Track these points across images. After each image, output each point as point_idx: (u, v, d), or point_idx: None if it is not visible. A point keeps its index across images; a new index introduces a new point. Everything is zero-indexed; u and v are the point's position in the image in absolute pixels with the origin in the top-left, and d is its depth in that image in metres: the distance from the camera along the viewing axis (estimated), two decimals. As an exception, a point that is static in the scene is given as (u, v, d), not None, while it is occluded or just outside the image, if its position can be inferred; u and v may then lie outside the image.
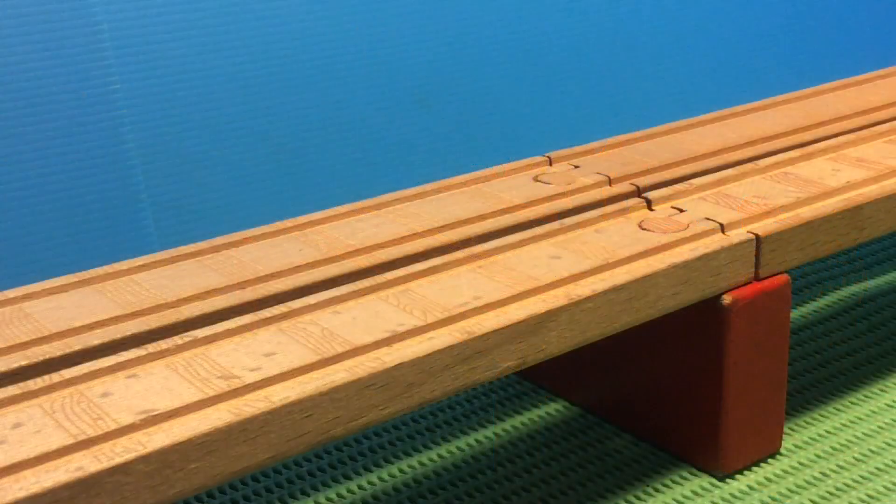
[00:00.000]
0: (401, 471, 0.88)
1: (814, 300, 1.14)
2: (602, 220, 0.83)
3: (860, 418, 0.93)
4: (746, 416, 0.84)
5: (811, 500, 0.82)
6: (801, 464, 0.87)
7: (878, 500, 0.82)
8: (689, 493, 0.83)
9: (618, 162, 0.95)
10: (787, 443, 0.89)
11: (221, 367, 0.64)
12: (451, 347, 0.66)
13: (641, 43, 1.36)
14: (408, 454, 0.90)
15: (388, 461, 0.89)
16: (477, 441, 0.91)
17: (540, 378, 0.99)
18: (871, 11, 1.52)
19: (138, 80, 1.03)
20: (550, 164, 0.95)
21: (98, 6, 0.99)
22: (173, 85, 1.05)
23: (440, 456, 0.89)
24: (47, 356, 0.65)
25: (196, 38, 1.05)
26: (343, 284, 0.73)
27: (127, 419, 0.58)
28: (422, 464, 0.88)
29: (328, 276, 0.75)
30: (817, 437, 0.90)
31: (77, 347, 0.66)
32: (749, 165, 0.93)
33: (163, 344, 0.66)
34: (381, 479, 0.87)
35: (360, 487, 0.86)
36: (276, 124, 1.15)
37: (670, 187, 0.88)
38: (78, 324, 0.69)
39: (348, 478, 0.87)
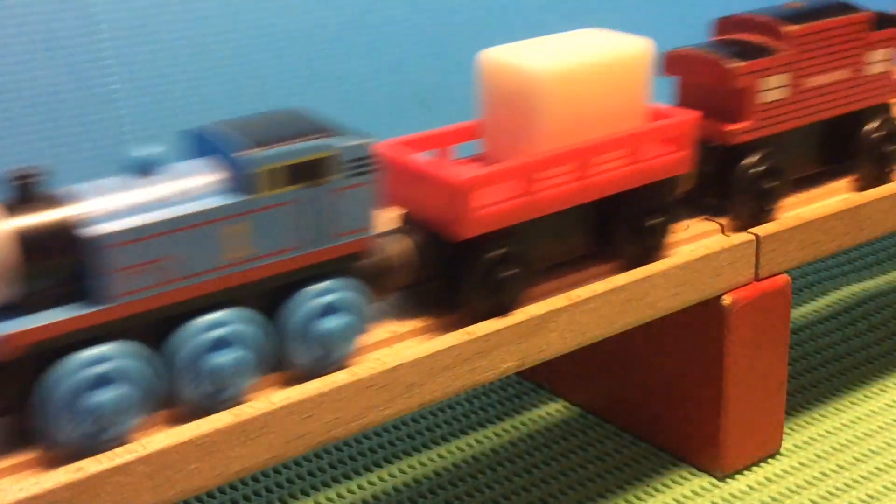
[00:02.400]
0: (401, 471, 0.88)
1: (814, 300, 1.14)
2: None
3: (860, 418, 0.93)
4: (746, 416, 0.84)
5: (811, 500, 0.82)
6: (801, 464, 0.87)
7: (878, 500, 0.82)
8: (689, 493, 0.83)
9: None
10: (787, 443, 0.89)
11: (221, 367, 0.63)
12: (452, 348, 0.66)
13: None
14: (408, 454, 0.90)
15: (388, 461, 0.89)
16: (477, 441, 0.91)
17: (540, 378, 0.99)
18: None
19: (138, 80, 1.03)
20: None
21: (98, 6, 0.99)
22: (173, 86, 1.05)
23: (440, 456, 0.89)
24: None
25: (197, 38, 1.05)
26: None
27: (127, 420, 0.58)
28: (422, 464, 0.88)
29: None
30: (817, 437, 0.90)
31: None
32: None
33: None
34: (380, 479, 0.87)
35: (359, 487, 0.86)
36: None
37: (670, 187, 0.88)
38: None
39: (348, 478, 0.87)
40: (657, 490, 0.84)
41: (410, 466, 0.88)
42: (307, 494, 0.85)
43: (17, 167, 0.55)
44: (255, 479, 0.87)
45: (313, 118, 0.63)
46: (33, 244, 0.54)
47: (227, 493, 0.85)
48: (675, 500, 0.83)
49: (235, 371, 0.59)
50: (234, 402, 0.59)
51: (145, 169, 0.58)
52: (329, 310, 0.61)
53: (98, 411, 0.55)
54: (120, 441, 0.56)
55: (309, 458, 0.89)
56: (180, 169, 0.59)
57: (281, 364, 0.62)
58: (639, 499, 0.83)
